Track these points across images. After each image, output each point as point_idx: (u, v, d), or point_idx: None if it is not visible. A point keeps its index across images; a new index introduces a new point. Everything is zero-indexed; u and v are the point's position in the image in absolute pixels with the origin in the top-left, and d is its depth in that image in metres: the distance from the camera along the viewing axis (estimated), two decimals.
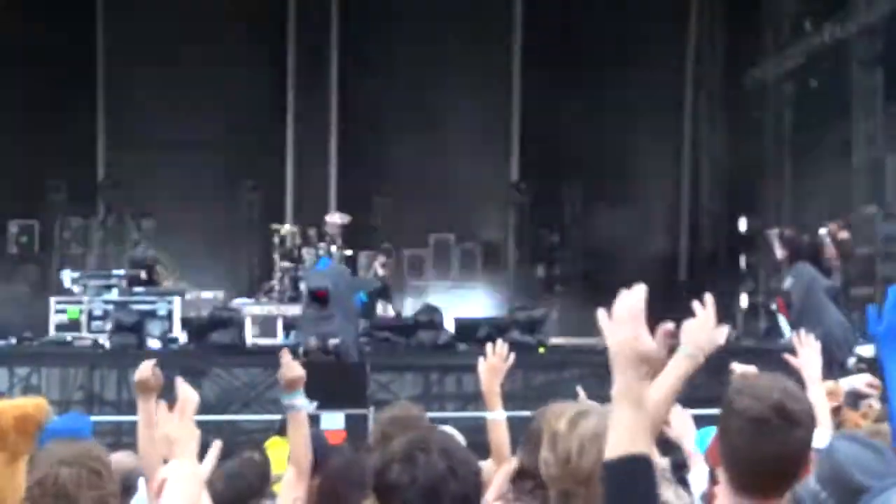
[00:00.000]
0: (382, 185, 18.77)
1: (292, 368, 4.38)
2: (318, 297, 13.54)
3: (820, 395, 4.10)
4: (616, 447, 2.38)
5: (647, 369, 2.42)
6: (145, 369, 4.15)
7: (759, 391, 2.77)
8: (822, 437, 3.21)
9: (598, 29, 18.59)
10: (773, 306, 15.33)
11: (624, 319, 2.45)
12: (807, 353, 4.22)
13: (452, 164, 18.26)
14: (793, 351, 4.28)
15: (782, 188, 18.26)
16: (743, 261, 18.64)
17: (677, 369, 3.24)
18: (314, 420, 11.55)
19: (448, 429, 4.78)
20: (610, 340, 2.45)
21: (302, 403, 4.34)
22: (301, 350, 13.05)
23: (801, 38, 17.80)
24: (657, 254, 18.62)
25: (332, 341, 13.26)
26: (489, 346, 4.59)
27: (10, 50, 17.78)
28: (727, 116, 19.68)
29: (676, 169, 20.06)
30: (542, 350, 14.13)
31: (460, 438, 4.54)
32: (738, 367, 4.14)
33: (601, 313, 2.46)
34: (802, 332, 4.37)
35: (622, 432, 2.41)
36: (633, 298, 2.48)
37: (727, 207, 19.34)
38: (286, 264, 16.04)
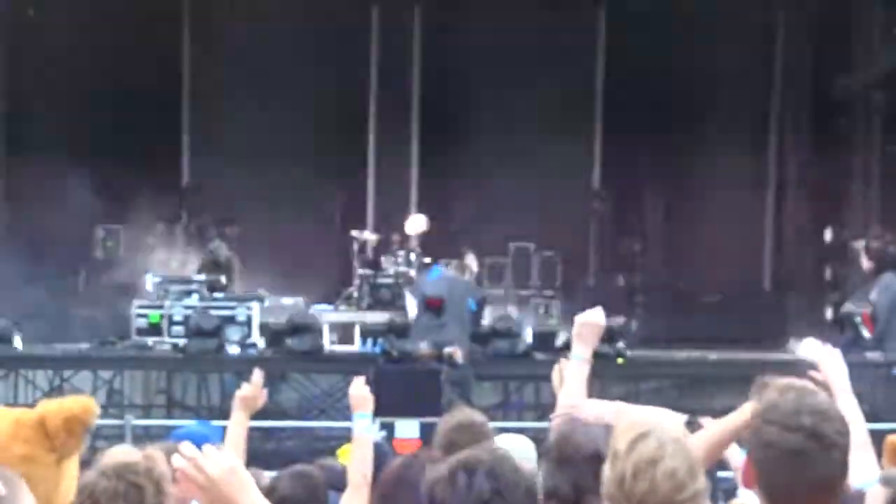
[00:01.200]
0: (463, 193, 18.76)
1: (359, 389, 4.35)
2: (434, 306, 13.61)
3: (853, 406, 3.78)
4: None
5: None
6: (256, 386, 4.14)
7: (788, 418, 2.67)
8: (863, 465, 3.07)
9: (686, 36, 18.43)
10: (858, 319, 15.03)
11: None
12: (830, 363, 3.85)
13: (533, 171, 18.20)
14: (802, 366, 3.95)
15: (870, 198, 17.97)
16: (828, 272, 18.32)
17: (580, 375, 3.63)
18: (389, 428, 11.56)
19: (521, 440, 4.70)
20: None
21: (364, 429, 4.31)
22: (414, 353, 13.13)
23: (892, 45, 17.62)
24: (740, 264, 18.39)
25: (447, 349, 13.29)
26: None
27: (97, 52, 18.06)
28: (814, 126, 19.43)
29: (761, 178, 19.81)
30: (620, 361, 13.97)
31: (532, 452, 4.46)
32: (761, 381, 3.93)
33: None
34: (816, 341, 4.16)
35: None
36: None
37: (813, 218, 19.05)
38: (365, 272, 16.07)
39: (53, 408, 2.86)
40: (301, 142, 18.49)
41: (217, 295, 15.12)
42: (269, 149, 18.39)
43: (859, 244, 15.37)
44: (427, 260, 16.00)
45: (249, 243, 17.23)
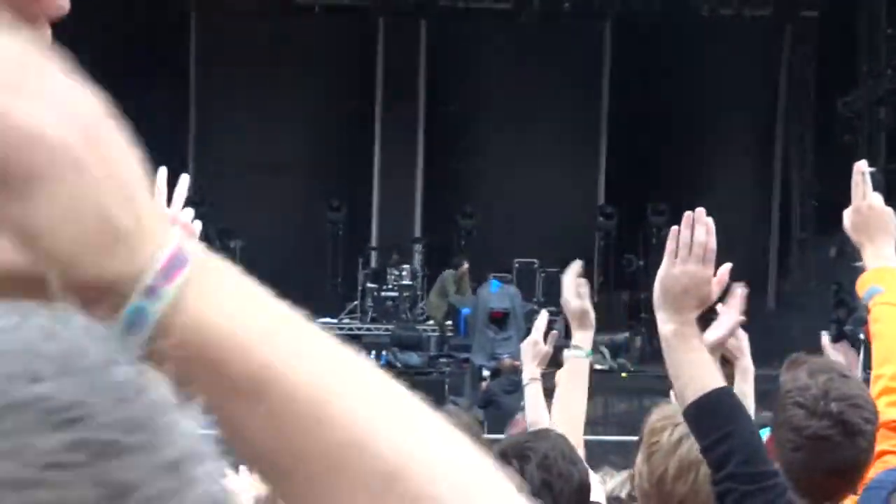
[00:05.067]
0: (468, 208, 18.76)
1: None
2: (498, 318, 13.64)
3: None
4: (698, 387, 2.46)
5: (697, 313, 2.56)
6: None
7: (815, 403, 2.65)
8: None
9: (691, 55, 18.50)
10: (862, 335, 14.99)
11: (700, 258, 2.56)
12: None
13: (538, 187, 18.19)
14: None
15: None
16: (832, 290, 18.29)
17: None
18: None
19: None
20: (679, 272, 2.57)
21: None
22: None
23: None
24: (745, 281, 18.37)
25: (508, 360, 13.30)
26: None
27: (104, 65, 18.09)
28: (819, 142, 19.47)
29: (766, 195, 19.81)
30: (624, 375, 13.97)
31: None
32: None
33: (672, 236, 2.60)
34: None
35: (700, 370, 2.50)
36: (711, 238, 2.60)
37: (817, 234, 19.04)
38: (370, 284, 16.08)
39: None
40: (305, 155, 18.50)
41: None
42: (272, 162, 18.41)
43: (863, 262, 15.36)
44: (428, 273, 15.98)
45: (252, 256, 17.22)
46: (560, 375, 3.94)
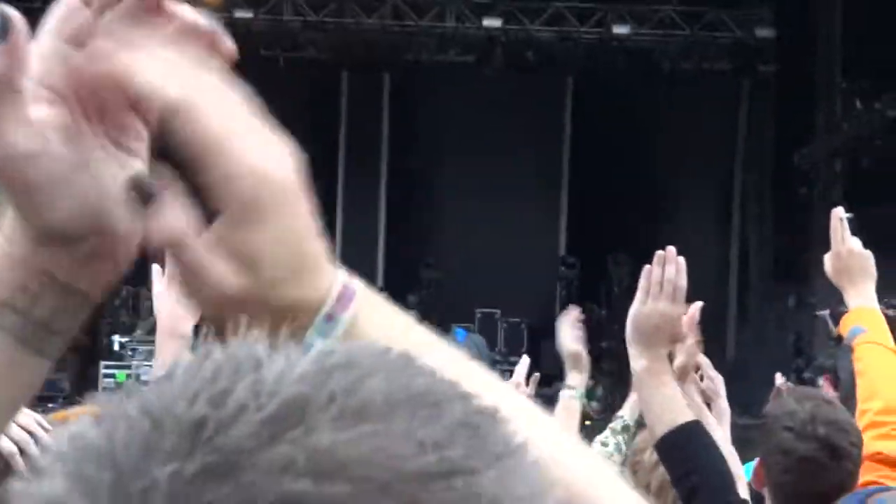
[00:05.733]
0: (430, 259, 18.83)
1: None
2: None
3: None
4: (667, 420, 2.52)
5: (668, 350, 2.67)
6: None
7: (803, 427, 2.74)
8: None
9: (650, 106, 18.71)
10: (820, 383, 15.13)
11: (671, 296, 2.66)
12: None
13: (500, 237, 18.29)
14: None
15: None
16: (791, 339, 18.48)
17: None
18: None
19: None
20: (650, 310, 2.63)
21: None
22: None
23: (853, 115, 17.82)
24: (704, 330, 18.48)
25: None
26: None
27: None
28: (776, 193, 19.70)
29: (725, 245, 20.01)
30: (587, 423, 14.02)
31: None
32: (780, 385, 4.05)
33: (645, 274, 2.68)
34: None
35: (670, 405, 2.57)
36: (681, 277, 2.70)
37: (776, 284, 19.23)
38: None
39: (69, 414, 2.84)
40: None
41: None
42: None
43: (824, 312, 15.50)
44: None
45: None
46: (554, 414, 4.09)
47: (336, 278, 0.78)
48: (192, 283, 0.76)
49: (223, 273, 0.75)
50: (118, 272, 0.84)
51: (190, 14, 0.84)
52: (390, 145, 19.71)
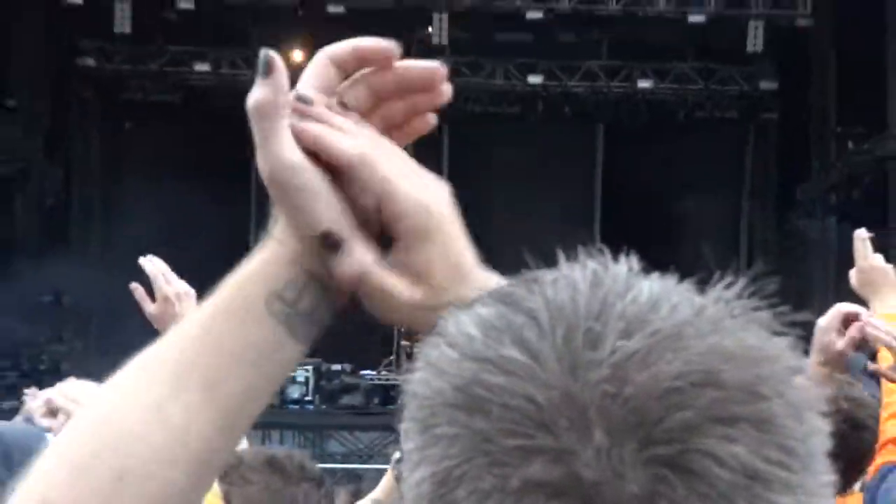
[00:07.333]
0: None
1: None
2: None
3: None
4: None
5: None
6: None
7: (827, 403, 3.75)
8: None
9: (670, 151, 19.90)
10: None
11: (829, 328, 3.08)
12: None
13: (537, 266, 19.96)
14: None
15: (826, 293, 18.36)
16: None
17: None
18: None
19: None
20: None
21: None
22: None
23: (846, 156, 19.26)
24: None
25: None
26: None
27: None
28: (779, 224, 21.00)
29: (733, 273, 21.61)
30: None
31: None
32: None
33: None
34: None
35: None
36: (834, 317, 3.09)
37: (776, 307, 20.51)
38: (405, 342, 18.12)
39: None
40: None
41: None
42: None
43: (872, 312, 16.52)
44: None
45: None
46: None
47: (489, 279, 0.90)
48: (380, 300, 0.90)
49: (403, 287, 0.89)
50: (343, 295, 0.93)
51: (414, 64, 0.94)
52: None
